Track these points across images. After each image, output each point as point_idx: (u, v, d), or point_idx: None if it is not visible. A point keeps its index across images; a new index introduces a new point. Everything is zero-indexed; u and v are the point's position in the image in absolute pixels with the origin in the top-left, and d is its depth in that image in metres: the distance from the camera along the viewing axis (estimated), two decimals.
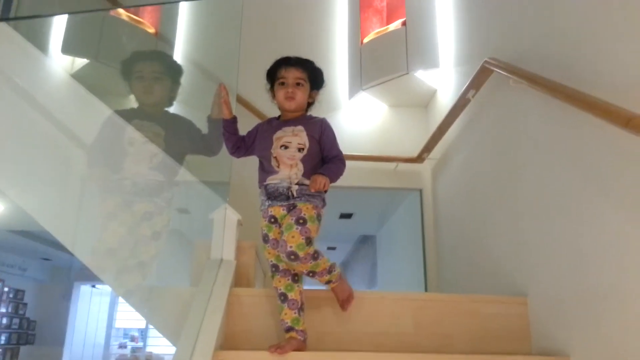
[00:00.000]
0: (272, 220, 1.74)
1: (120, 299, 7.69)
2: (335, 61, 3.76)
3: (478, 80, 2.39)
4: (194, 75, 3.10)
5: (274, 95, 1.86)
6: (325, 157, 1.82)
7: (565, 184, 1.70)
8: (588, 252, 1.55)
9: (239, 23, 2.83)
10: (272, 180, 1.75)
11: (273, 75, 1.85)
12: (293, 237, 1.62)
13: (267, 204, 1.75)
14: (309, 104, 1.89)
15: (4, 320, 6.75)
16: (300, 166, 1.74)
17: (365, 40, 3.53)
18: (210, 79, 2.76)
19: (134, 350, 8.22)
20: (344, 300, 1.76)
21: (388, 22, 3.53)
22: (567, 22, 1.78)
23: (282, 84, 1.80)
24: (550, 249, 1.77)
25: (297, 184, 1.72)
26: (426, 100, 3.52)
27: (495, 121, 2.34)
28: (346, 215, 4.54)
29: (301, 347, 1.60)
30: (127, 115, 2.10)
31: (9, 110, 2.16)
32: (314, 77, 1.86)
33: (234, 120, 1.89)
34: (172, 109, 2.21)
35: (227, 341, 1.74)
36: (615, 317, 1.42)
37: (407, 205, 3.85)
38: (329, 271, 1.70)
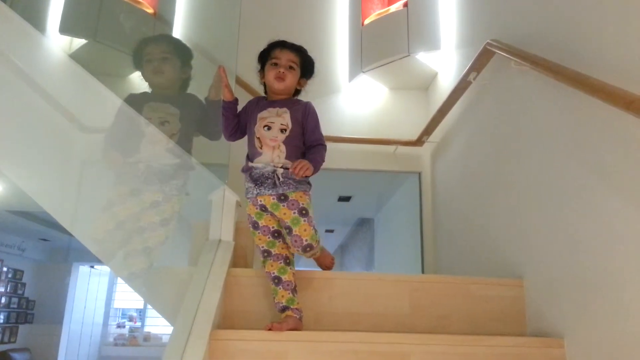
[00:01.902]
0: (263, 209, 1.74)
1: (119, 280, 7.75)
2: (335, 43, 3.73)
3: (479, 63, 2.38)
4: (193, 57, 3.08)
5: (262, 76, 1.87)
6: (306, 141, 1.80)
7: (565, 167, 1.70)
8: (585, 235, 1.56)
9: (239, 4, 2.80)
10: (256, 163, 1.74)
11: (265, 56, 1.84)
12: (305, 230, 1.67)
13: (255, 192, 1.74)
14: (297, 91, 1.89)
15: (3, 300, 6.80)
16: (283, 148, 1.74)
17: (366, 21, 3.50)
18: (209, 60, 2.74)
19: (132, 330, 8.30)
20: (329, 263, 1.90)
21: (389, 4, 3.49)
22: (570, 4, 1.76)
23: (275, 64, 1.80)
24: (547, 233, 1.78)
25: (281, 167, 1.72)
26: (427, 82, 3.50)
27: (496, 104, 2.33)
28: (344, 198, 4.54)
29: (298, 325, 1.62)
30: (142, 98, 2.10)
31: (7, 90, 2.14)
32: (306, 65, 1.87)
33: (235, 102, 1.87)
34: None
35: (225, 320, 1.75)
36: (609, 300, 1.43)
37: (405, 189, 3.85)
38: (317, 247, 1.78)
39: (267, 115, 1.79)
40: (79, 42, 2.72)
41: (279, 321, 1.59)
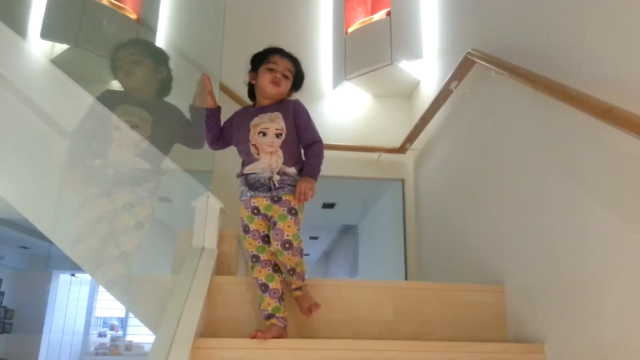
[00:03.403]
0: (255, 211, 1.74)
1: (101, 288, 7.64)
2: (319, 51, 3.75)
3: (461, 72, 2.41)
4: (176, 63, 3.07)
5: (253, 77, 1.86)
6: (302, 141, 1.82)
7: (544, 174, 1.73)
8: (564, 242, 1.59)
9: (223, 10, 2.80)
10: (253, 169, 1.75)
11: (261, 58, 1.85)
12: (289, 226, 1.66)
13: (249, 194, 1.75)
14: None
15: None
16: (280, 153, 1.75)
17: (350, 29, 3.53)
18: (193, 66, 2.73)
19: (113, 339, 8.17)
20: (311, 306, 1.69)
21: (373, 12, 3.53)
22: (549, 14, 1.80)
23: (272, 69, 1.81)
24: (528, 239, 1.81)
25: (278, 173, 1.73)
26: (410, 90, 3.53)
27: (476, 112, 2.37)
28: (329, 205, 4.55)
29: (282, 334, 1.62)
30: (117, 98, 2.05)
31: None
32: (298, 78, 1.89)
33: (217, 110, 1.88)
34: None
35: (208, 329, 1.74)
36: (589, 306, 1.46)
37: (389, 196, 3.88)
38: (303, 278, 1.73)
39: (260, 121, 1.79)
40: (60, 47, 2.70)
41: (262, 329, 1.59)
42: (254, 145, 1.76)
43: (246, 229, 1.76)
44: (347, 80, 3.45)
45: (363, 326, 1.83)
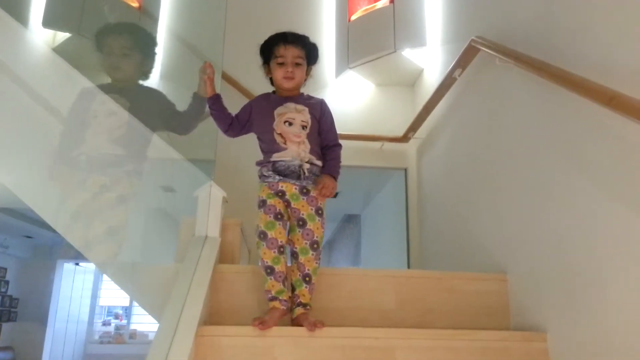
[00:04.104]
0: (280, 193, 1.72)
1: (105, 277, 7.69)
2: (322, 39, 3.72)
3: (464, 59, 2.40)
4: (178, 51, 3.06)
5: (268, 71, 1.83)
6: (323, 140, 1.82)
7: (548, 163, 1.73)
8: (568, 231, 1.58)
9: None
10: (282, 157, 1.73)
11: (268, 51, 1.80)
12: (318, 228, 1.69)
13: (277, 178, 1.72)
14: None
15: None
16: (307, 143, 1.74)
17: (353, 17, 3.50)
18: (195, 54, 2.72)
19: (118, 327, 8.23)
20: (317, 322, 1.60)
21: (376, 0, 3.50)
22: (553, 1, 1.78)
23: (281, 63, 1.76)
24: (531, 228, 1.80)
25: (308, 162, 1.73)
26: (413, 79, 3.51)
27: (480, 100, 2.35)
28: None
29: (284, 314, 1.65)
30: (94, 91, 2.03)
31: None
32: (311, 54, 1.83)
33: (217, 98, 1.84)
34: (155, 84, 2.17)
35: (212, 317, 1.75)
36: (591, 295, 1.46)
37: (392, 185, 3.87)
38: (312, 292, 1.70)
39: (285, 110, 1.77)
40: (62, 35, 2.69)
41: (263, 317, 1.59)
42: (280, 134, 1.74)
43: (262, 204, 1.72)
44: (350, 68, 3.43)
45: (365, 314, 1.83)
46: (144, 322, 8.10)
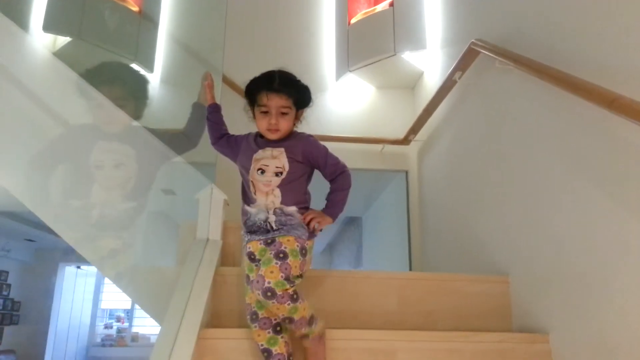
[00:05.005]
0: (252, 257, 1.58)
1: (107, 281, 7.69)
2: (322, 42, 3.73)
3: (464, 62, 2.40)
4: (179, 55, 3.06)
5: (253, 116, 1.62)
6: (325, 177, 1.68)
7: (549, 165, 1.73)
8: (569, 232, 1.59)
9: (225, 2, 2.79)
10: (250, 210, 1.60)
11: (252, 96, 1.60)
12: (272, 272, 1.42)
13: (246, 238, 1.60)
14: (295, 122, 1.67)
15: None
16: (277, 192, 1.56)
17: (353, 20, 3.51)
18: (195, 58, 2.73)
19: (119, 330, 8.24)
20: (320, 337, 1.50)
21: (375, 3, 3.51)
22: (553, 3, 1.78)
23: (265, 112, 1.56)
24: (532, 230, 1.80)
25: (274, 213, 1.55)
26: (413, 82, 3.52)
27: (480, 103, 2.36)
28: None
29: None
30: (90, 134, 1.88)
31: None
32: (301, 100, 1.61)
33: (216, 107, 1.80)
34: (156, 88, 2.15)
35: (213, 319, 1.75)
36: (593, 296, 1.46)
37: (393, 187, 3.87)
38: (309, 323, 1.47)
39: (262, 156, 1.60)
40: (63, 40, 2.69)
41: None
42: (252, 182, 1.59)
43: (247, 279, 1.58)
44: (350, 71, 3.43)
45: (367, 317, 1.83)
46: (146, 325, 8.12)
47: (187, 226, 2.04)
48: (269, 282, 1.40)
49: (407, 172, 3.48)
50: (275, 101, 1.55)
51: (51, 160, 1.90)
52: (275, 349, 1.48)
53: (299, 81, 1.62)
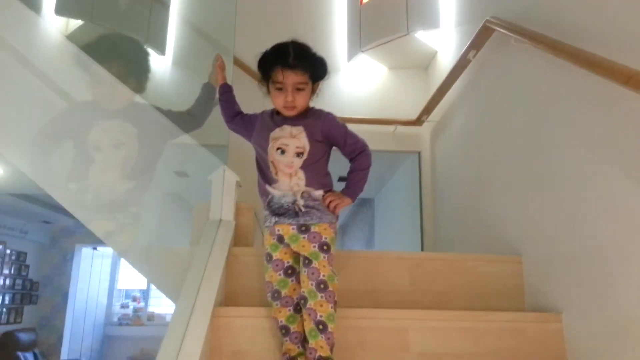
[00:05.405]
0: (280, 239, 1.55)
1: (123, 261, 7.82)
2: (334, 22, 3.69)
3: (479, 41, 2.36)
4: (190, 37, 3.05)
5: (268, 91, 1.57)
6: (345, 156, 1.63)
7: (564, 144, 1.70)
8: (582, 212, 1.57)
9: None
10: (273, 191, 1.56)
11: (266, 71, 1.54)
12: (324, 265, 1.45)
13: (273, 220, 1.56)
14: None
15: (8, 281, 6.85)
16: (301, 174, 1.53)
17: (365, 0, 3.46)
18: (206, 40, 2.71)
19: (135, 310, 8.39)
20: None
21: None
22: None
23: (279, 88, 1.51)
24: (546, 209, 1.79)
25: (302, 196, 1.53)
26: (426, 61, 3.47)
27: (495, 82, 2.32)
28: (345, 179, 4.53)
29: None
30: (91, 112, 1.82)
31: (2, 71, 2.13)
32: (317, 73, 1.55)
33: (227, 87, 1.79)
34: (167, 71, 2.14)
35: (227, 298, 1.78)
36: (606, 276, 1.45)
37: (405, 168, 3.86)
38: (332, 345, 1.43)
39: (280, 134, 1.55)
40: (75, 23, 2.70)
41: None
42: (272, 162, 1.55)
43: (269, 258, 1.56)
44: (362, 52, 3.40)
45: (380, 296, 1.85)
46: (161, 305, 8.25)
47: (201, 207, 2.05)
48: (323, 275, 1.44)
49: (419, 153, 3.46)
50: (291, 78, 1.49)
51: (53, 138, 1.87)
52: (293, 327, 1.50)
53: (314, 54, 1.56)
